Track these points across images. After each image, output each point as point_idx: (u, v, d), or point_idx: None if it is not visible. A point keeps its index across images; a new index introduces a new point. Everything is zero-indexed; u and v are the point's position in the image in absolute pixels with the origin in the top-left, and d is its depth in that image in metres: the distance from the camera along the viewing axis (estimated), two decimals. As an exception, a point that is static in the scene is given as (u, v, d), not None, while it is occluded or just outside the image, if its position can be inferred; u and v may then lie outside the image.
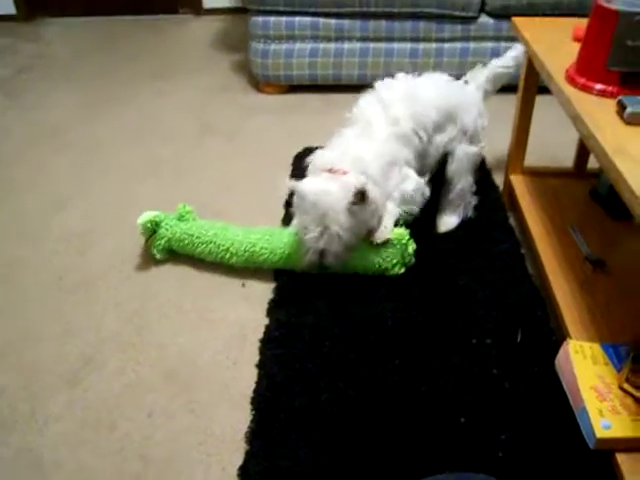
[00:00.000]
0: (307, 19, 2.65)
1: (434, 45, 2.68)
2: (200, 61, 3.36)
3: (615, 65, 1.25)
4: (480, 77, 1.88)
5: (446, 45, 2.67)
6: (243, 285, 1.67)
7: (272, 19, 2.66)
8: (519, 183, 1.89)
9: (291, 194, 1.63)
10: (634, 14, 1.19)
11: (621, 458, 1.10)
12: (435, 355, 1.41)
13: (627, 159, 1.02)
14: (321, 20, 2.65)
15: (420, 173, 1.72)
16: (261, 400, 1.32)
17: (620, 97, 1.18)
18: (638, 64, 1.23)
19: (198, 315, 1.58)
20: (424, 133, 1.69)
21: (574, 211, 1.75)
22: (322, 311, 1.54)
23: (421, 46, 2.68)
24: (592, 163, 1.93)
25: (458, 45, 2.67)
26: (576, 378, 1.21)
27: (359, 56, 2.70)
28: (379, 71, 2.70)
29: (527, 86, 1.77)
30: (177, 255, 1.77)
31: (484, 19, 2.64)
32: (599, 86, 1.27)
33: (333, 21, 2.65)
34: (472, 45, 2.67)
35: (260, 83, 2.89)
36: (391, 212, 1.65)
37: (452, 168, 1.81)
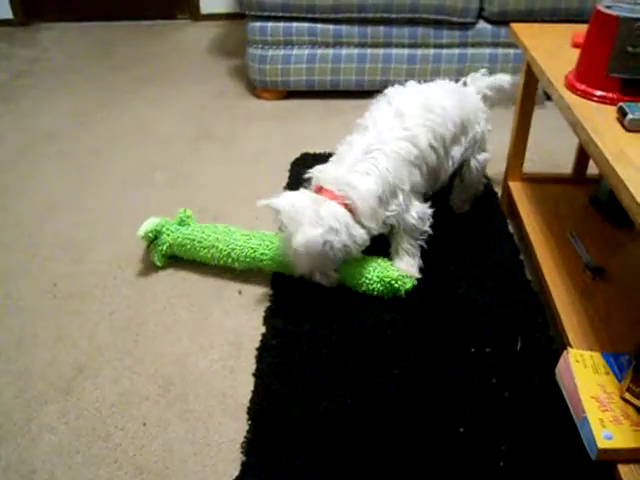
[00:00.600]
0: (305, 25, 2.65)
1: (432, 51, 2.67)
2: (197, 66, 3.35)
3: (615, 71, 1.24)
4: (481, 82, 1.85)
5: (444, 51, 2.67)
6: (240, 292, 1.66)
7: (270, 25, 2.65)
8: (518, 190, 1.88)
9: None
10: (634, 20, 1.18)
11: (623, 469, 1.08)
12: (434, 364, 1.40)
13: (628, 166, 1.01)
14: (319, 26, 2.64)
15: (428, 194, 1.66)
16: (258, 410, 1.30)
17: (620, 104, 1.17)
18: (638, 70, 1.22)
19: (194, 323, 1.56)
20: (442, 147, 1.62)
21: (573, 218, 1.74)
22: (320, 319, 1.52)
23: (419, 52, 2.68)
24: (591, 169, 1.92)
25: (456, 51, 2.67)
26: (577, 387, 1.20)
27: (357, 62, 2.70)
28: (377, 77, 2.70)
29: (526, 92, 1.76)
30: (173, 263, 1.76)
31: (482, 25, 2.63)
32: (599, 92, 1.26)
33: (331, 27, 2.64)
34: (470, 51, 2.67)
35: (257, 89, 2.88)
36: (410, 250, 1.61)
37: (467, 178, 1.82)
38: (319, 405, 1.30)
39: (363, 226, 1.49)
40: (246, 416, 1.30)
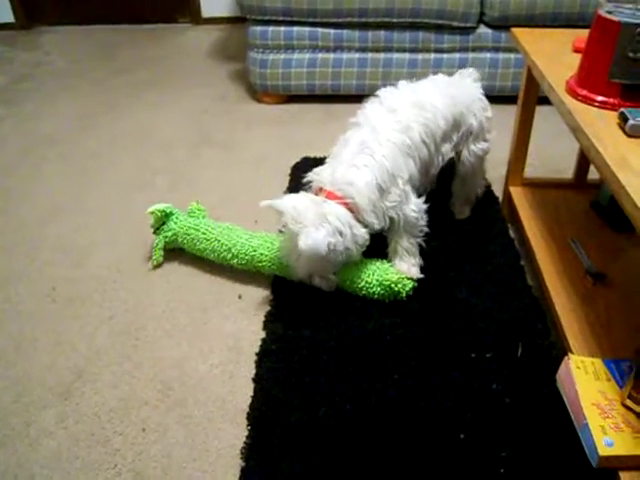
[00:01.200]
0: (306, 29, 2.65)
1: (433, 55, 2.67)
2: (198, 70, 3.35)
3: (616, 77, 1.23)
4: (475, 73, 1.84)
5: (445, 56, 2.67)
6: (240, 297, 1.65)
7: (271, 29, 2.65)
8: (519, 195, 1.88)
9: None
10: (636, 25, 1.18)
11: (625, 477, 1.08)
12: (434, 370, 1.39)
13: (629, 171, 1.01)
14: (320, 30, 2.64)
15: (420, 190, 1.66)
16: (257, 415, 1.30)
17: (622, 109, 1.17)
18: (640, 76, 1.22)
19: (194, 328, 1.56)
20: (432, 143, 1.63)
21: (574, 223, 1.73)
22: (319, 324, 1.52)
23: (420, 56, 2.68)
24: (592, 174, 1.92)
25: (457, 55, 2.67)
26: (578, 394, 1.19)
27: (357, 66, 2.70)
28: (377, 81, 2.69)
29: (527, 97, 1.76)
30: (173, 267, 1.76)
31: (483, 30, 2.63)
32: (600, 98, 1.25)
33: (332, 31, 2.64)
34: (471, 56, 2.67)
35: (258, 93, 2.88)
36: (410, 249, 1.62)
37: (462, 169, 1.81)
38: (319, 411, 1.29)
39: (365, 224, 1.50)
40: (245, 421, 1.29)
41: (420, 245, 1.64)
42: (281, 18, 2.61)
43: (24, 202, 2.12)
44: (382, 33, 2.63)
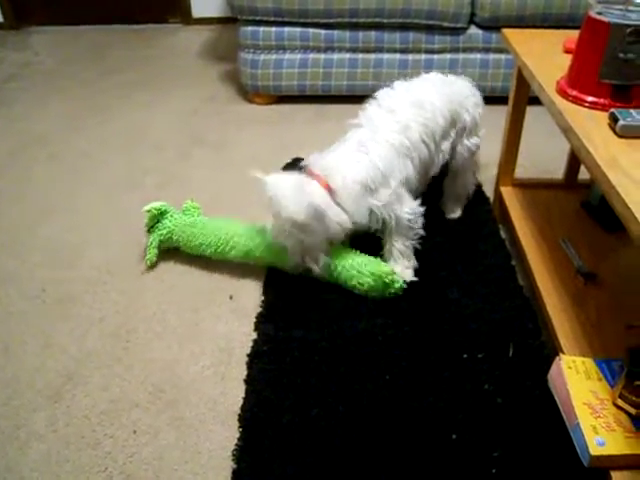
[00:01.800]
0: (297, 29, 2.64)
1: (423, 56, 2.68)
2: (189, 71, 3.34)
3: (607, 77, 1.24)
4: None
5: (435, 56, 2.67)
6: (231, 298, 1.65)
7: (262, 29, 2.65)
8: (509, 195, 1.88)
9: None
10: (625, 26, 1.18)
11: (616, 476, 1.08)
12: (426, 370, 1.39)
13: (619, 172, 1.01)
14: (311, 30, 2.64)
15: (418, 190, 1.68)
16: (249, 416, 1.29)
17: (612, 110, 1.17)
18: (630, 76, 1.22)
19: (185, 329, 1.55)
20: (432, 142, 1.64)
21: (565, 223, 1.74)
22: (311, 325, 1.51)
23: (410, 57, 2.68)
24: (583, 174, 1.92)
25: (447, 56, 2.67)
26: (569, 394, 1.20)
27: (348, 67, 2.69)
28: (368, 82, 2.69)
29: (517, 98, 1.76)
30: (164, 268, 1.75)
31: (473, 30, 2.64)
32: (591, 98, 1.26)
33: (322, 31, 2.64)
34: (461, 56, 2.67)
35: (249, 93, 2.87)
36: (404, 252, 1.63)
37: (454, 164, 1.83)
38: (310, 412, 1.29)
39: (344, 209, 1.52)
40: (237, 423, 1.29)
41: (415, 248, 1.65)
42: (272, 18, 2.61)
43: (14, 203, 2.10)
44: (373, 34, 2.63)
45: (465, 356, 1.42)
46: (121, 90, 3.06)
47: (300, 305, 1.58)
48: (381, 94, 1.69)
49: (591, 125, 1.18)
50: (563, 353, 1.31)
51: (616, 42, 1.20)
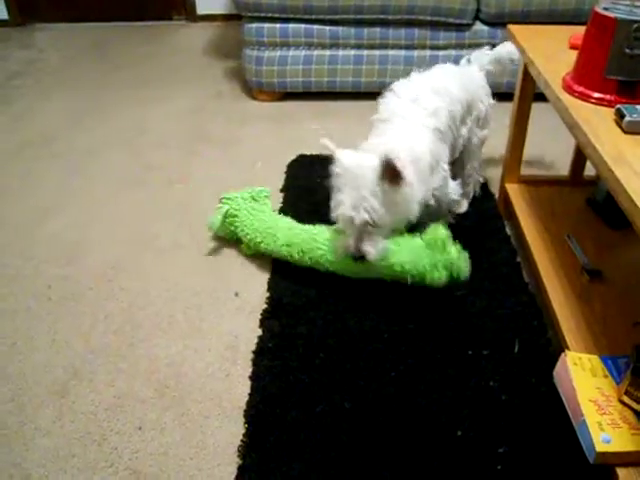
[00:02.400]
0: (301, 26, 2.64)
1: (428, 52, 2.67)
2: (193, 68, 3.35)
3: (613, 73, 1.23)
4: (484, 58, 1.90)
5: (441, 52, 2.67)
6: (236, 295, 1.65)
7: (266, 26, 2.64)
8: (515, 192, 1.88)
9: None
10: (632, 22, 1.18)
11: (622, 473, 1.08)
12: (431, 367, 1.39)
13: (626, 168, 1.01)
14: (315, 27, 2.64)
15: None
16: (254, 413, 1.29)
17: (618, 106, 1.17)
18: (636, 72, 1.22)
19: (190, 326, 1.55)
20: (454, 126, 1.67)
21: (570, 220, 1.73)
22: (316, 322, 1.51)
23: (415, 53, 2.68)
24: (588, 170, 1.92)
25: (453, 52, 2.67)
26: (575, 391, 1.19)
27: (353, 63, 2.69)
28: (374, 78, 2.69)
29: (523, 94, 1.76)
30: (168, 264, 1.75)
31: (479, 26, 2.64)
32: (597, 94, 1.25)
33: (327, 28, 2.64)
34: (467, 52, 2.65)
35: (254, 90, 2.87)
36: (456, 190, 1.66)
37: (465, 153, 1.84)
38: (316, 408, 1.29)
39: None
40: (242, 419, 1.29)
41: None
42: (277, 15, 2.61)
43: (18, 200, 2.11)
44: (378, 30, 2.63)
45: (470, 353, 1.42)
46: (125, 87, 3.06)
47: (305, 302, 1.58)
48: (398, 86, 1.69)
49: (597, 121, 1.18)
50: (569, 350, 1.31)
51: (622, 38, 1.20)
